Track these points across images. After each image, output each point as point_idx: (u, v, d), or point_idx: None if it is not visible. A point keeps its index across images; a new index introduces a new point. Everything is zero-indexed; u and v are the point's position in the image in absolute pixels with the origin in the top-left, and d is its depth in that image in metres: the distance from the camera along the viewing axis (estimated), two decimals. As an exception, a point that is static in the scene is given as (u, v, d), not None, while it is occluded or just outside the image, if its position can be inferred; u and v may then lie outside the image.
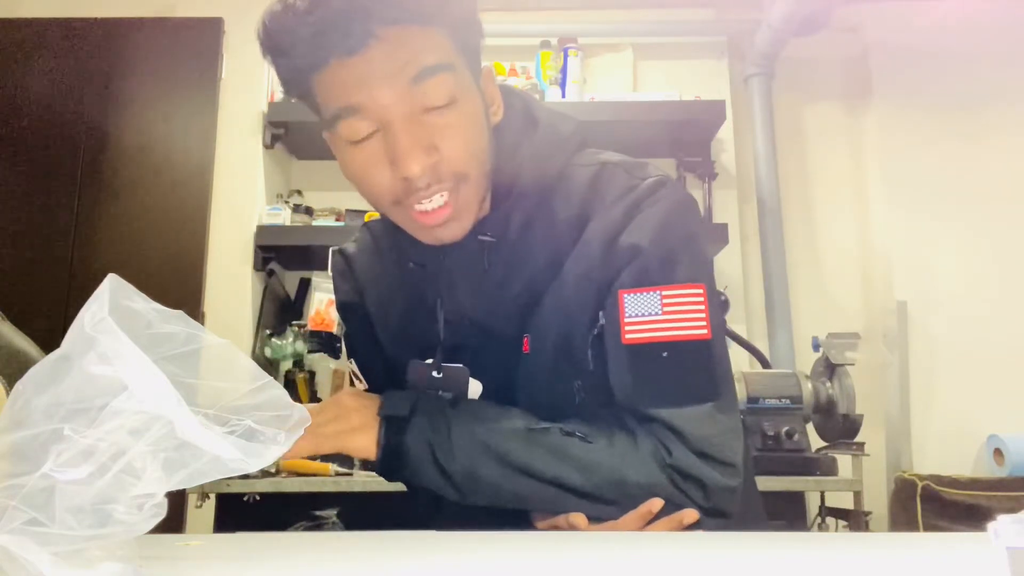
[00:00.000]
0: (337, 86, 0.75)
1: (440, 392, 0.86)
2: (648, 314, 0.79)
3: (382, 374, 0.96)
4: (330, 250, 1.05)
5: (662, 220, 0.82)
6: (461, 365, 0.88)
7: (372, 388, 0.97)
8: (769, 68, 2.90)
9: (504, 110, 0.86)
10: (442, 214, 0.77)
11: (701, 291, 0.80)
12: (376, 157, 0.76)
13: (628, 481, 0.77)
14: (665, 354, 0.79)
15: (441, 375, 0.87)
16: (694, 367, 0.80)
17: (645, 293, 0.80)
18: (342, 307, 1.00)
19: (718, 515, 0.78)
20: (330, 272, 1.05)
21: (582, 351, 0.83)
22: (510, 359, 0.86)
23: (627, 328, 0.80)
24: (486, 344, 0.87)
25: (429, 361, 0.88)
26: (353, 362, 1.00)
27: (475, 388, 0.88)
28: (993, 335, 2.63)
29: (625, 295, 0.80)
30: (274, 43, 0.76)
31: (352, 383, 1.01)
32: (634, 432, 0.79)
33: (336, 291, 1.01)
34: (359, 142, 0.76)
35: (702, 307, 0.80)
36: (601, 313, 0.82)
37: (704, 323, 0.79)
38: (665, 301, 0.79)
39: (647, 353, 0.79)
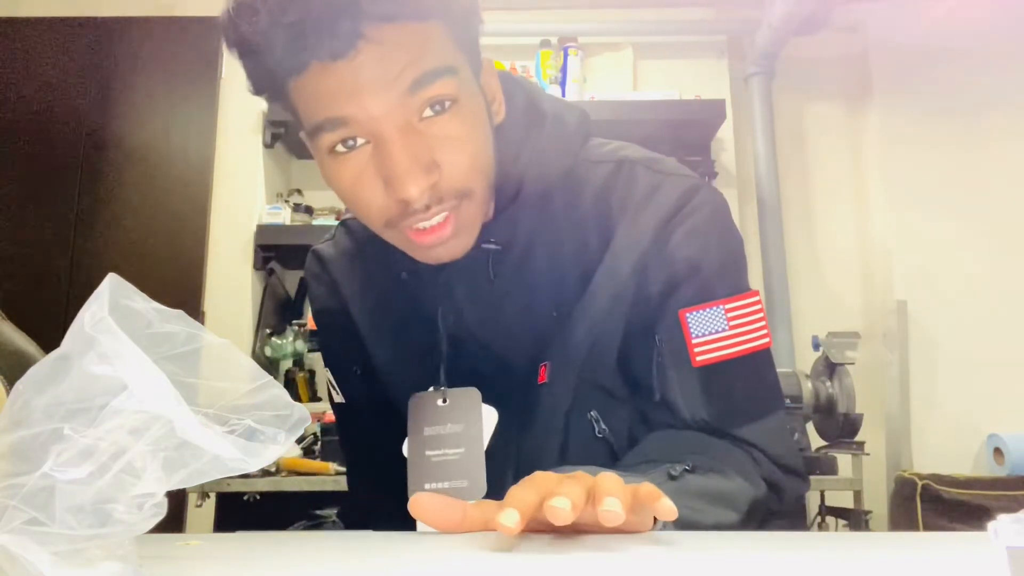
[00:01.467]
0: (320, 94, 0.64)
1: (448, 425, 0.77)
2: (715, 331, 0.74)
3: (365, 388, 0.88)
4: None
5: (709, 229, 0.77)
6: (473, 387, 0.78)
7: (349, 401, 0.90)
8: (769, 68, 2.90)
9: (506, 104, 0.77)
10: (442, 233, 0.67)
11: (758, 298, 0.76)
12: (366, 173, 0.66)
13: (758, 498, 0.71)
14: (736, 370, 0.74)
15: (448, 403, 0.77)
16: (763, 378, 0.77)
17: (708, 309, 0.74)
18: (320, 312, 0.91)
19: (778, 518, 0.76)
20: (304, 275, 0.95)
21: (608, 375, 0.77)
22: (521, 390, 0.79)
23: (696, 349, 0.73)
24: (491, 371, 0.79)
25: (432, 390, 0.78)
26: (330, 372, 0.92)
27: (489, 417, 0.78)
28: (993, 335, 2.63)
29: (688, 314, 0.74)
30: (244, 44, 0.63)
31: (329, 394, 0.93)
32: (724, 449, 0.73)
33: (312, 296, 0.92)
34: (345, 155, 0.66)
35: (762, 315, 0.75)
36: (657, 336, 0.75)
37: (766, 330, 0.75)
38: (730, 315, 0.74)
39: (718, 372, 0.74)
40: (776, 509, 0.75)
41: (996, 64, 2.79)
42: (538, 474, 0.52)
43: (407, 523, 0.75)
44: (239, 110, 2.79)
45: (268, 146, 2.79)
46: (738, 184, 2.90)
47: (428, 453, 0.76)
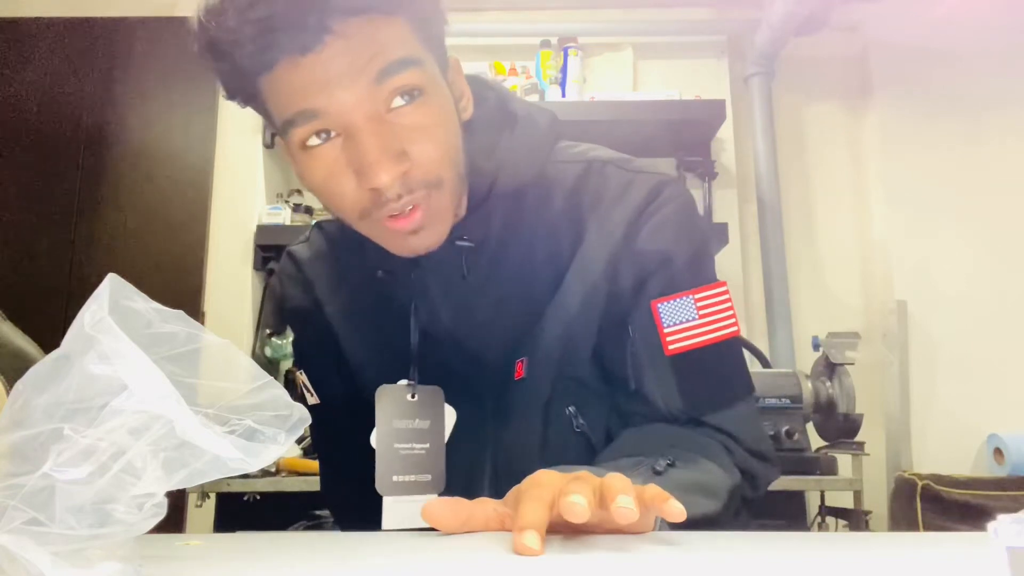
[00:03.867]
0: (290, 89, 0.65)
1: (416, 420, 0.78)
2: (685, 321, 0.76)
3: (341, 389, 0.89)
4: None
5: (677, 223, 0.79)
6: (437, 386, 0.80)
7: (325, 403, 0.90)
8: (769, 68, 2.90)
9: (477, 104, 0.79)
10: (412, 218, 0.69)
11: (725, 288, 0.78)
12: (338, 166, 0.67)
13: (735, 486, 0.73)
14: (707, 358, 0.77)
15: (416, 398, 0.79)
16: (733, 365, 0.80)
17: (679, 300, 0.77)
18: (293, 313, 0.92)
19: (751, 504, 0.78)
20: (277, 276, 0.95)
21: (585, 369, 0.79)
22: (496, 387, 0.80)
23: (668, 339, 0.76)
24: (466, 368, 0.80)
25: (403, 383, 0.79)
26: (303, 373, 0.92)
27: (449, 416, 0.80)
28: (993, 335, 2.63)
29: (659, 305, 0.77)
30: (211, 43, 0.65)
31: (303, 397, 0.92)
32: (699, 440, 0.75)
33: (285, 297, 0.92)
34: (317, 148, 0.67)
35: (730, 304, 0.78)
36: (630, 327, 0.78)
37: (734, 319, 0.78)
38: (699, 304, 0.77)
39: (690, 360, 0.76)
40: (750, 496, 0.77)
41: (996, 64, 2.79)
42: (541, 473, 0.53)
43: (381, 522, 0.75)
44: (239, 110, 2.76)
45: (268, 146, 2.79)
46: (738, 184, 2.90)
47: (397, 446, 0.77)
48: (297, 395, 2.49)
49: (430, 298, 0.79)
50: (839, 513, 2.25)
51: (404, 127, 0.67)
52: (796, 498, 2.33)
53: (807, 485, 2.10)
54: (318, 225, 0.92)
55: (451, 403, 0.81)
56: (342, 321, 0.88)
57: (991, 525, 0.29)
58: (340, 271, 0.88)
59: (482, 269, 0.78)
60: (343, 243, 0.88)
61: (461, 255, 0.77)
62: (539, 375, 0.79)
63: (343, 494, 0.93)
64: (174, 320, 0.36)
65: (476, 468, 0.80)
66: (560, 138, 0.85)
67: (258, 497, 2.09)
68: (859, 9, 2.86)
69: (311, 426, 0.96)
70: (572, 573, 0.37)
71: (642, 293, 0.78)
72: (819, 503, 2.28)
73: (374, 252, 0.76)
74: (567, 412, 0.79)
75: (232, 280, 2.70)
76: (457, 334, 0.80)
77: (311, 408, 0.91)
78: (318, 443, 0.98)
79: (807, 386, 2.15)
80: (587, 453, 0.78)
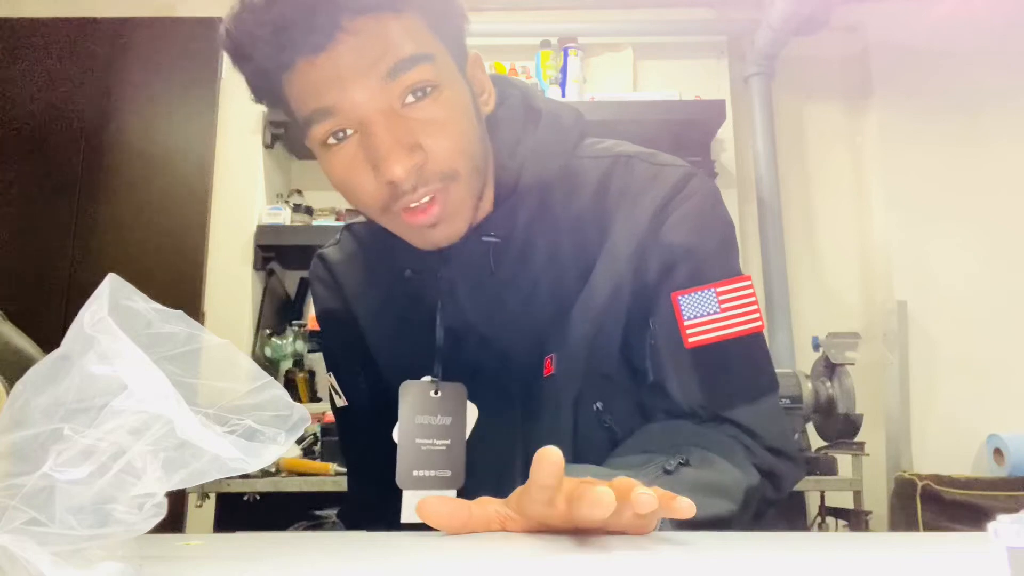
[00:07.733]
0: (307, 87, 0.68)
1: (439, 416, 0.78)
2: (706, 314, 0.75)
3: (368, 391, 0.89)
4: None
5: (702, 215, 0.79)
6: (460, 383, 0.79)
7: (354, 405, 0.90)
8: (769, 68, 2.90)
9: (502, 101, 0.80)
10: (430, 212, 0.70)
11: (750, 282, 0.77)
12: (356, 161, 0.69)
13: (752, 487, 0.72)
14: (728, 352, 0.75)
15: (439, 395, 0.78)
16: (755, 361, 0.78)
17: (700, 292, 0.76)
18: (324, 315, 0.92)
19: (773, 505, 0.76)
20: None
21: (612, 364, 0.78)
22: (525, 383, 0.80)
23: (688, 331, 0.75)
24: (495, 365, 0.80)
25: (427, 379, 0.79)
26: (332, 376, 0.92)
27: (470, 414, 0.80)
28: (993, 335, 2.63)
29: (680, 297, 0.76)
30: (236, 47, 0.68)
31: (331, 399, 0.93)
32: (716, 438, 0.74)
33: (316, 298, 0.94)
34: (336, 146, 0.69)
35: (754, 298, 0.76)
36: (652, 320, 0.77)
37: (758, 314, 0.76)
38: (721, 298, 0.76)
39: (711, 354, 0.75)
40: (773, 498, 0.76)
41: (996, 64, 2.79)
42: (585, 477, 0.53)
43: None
44: (239, 110, 2.79)
45: (268, 146, 2.79)
46: (738, 184, 2.90)
47: (418, 441, 0.78)
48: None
49: (458, 295, 0.79)
50: (839, 513, 2.25)
51: (418, 121, 0.68)
52: (796, 498, 2.33)
53: (807, 485, 2.10)
54: (348, 227, 0.93)
55: (480, 400, 0.81)
56: (371, 323, 0.88)
57: (991, 525, 0.29)
58: (369, 273, 0.89)
59: (509, 264, 0.79)
60: (372, 244, 0.89)
61: (488, 251, 0.78)
62: (568, 371, 0.78)
63: (369, 496, 0.92)
64: (174, 320, 0.36)
65: (505, 465, 0.80)
66: (585, 135, 0.85)
67: (258, 497, 2.09)
68: (859, 9, 2.86)
69: (338, 428, 0.96)
70: (572, 573, 0.37)
71: (664, 285, 0.77)
72: (819, 503, 2.28)
73: (403, 252, 0.78)
74: (594, 408, 0.78)
75: (232, 280, 2.70)
76: (486, 331, 0.80)
77: (340, 411, 0.92)
78: (345, 445, 0.97)
79: (807, 386, 2.15)
80: (613, 449, 0.77)
